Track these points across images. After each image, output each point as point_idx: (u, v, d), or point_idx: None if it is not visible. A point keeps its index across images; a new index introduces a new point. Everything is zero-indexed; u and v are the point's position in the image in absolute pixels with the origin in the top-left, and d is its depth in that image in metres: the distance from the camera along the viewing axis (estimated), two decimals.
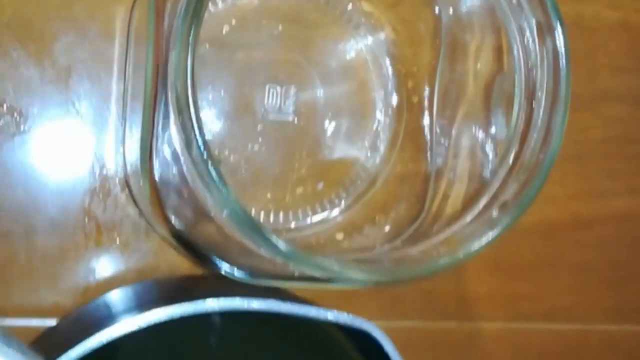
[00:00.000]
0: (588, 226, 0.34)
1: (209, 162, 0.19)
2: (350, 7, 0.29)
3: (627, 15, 0.33)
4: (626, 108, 0.34)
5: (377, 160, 0.31)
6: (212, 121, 0.29)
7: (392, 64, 0.30)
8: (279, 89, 0.29)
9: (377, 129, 0.30)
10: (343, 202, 0.30)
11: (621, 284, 0.34)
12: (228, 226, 0.20)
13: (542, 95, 0.22)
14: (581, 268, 0.34)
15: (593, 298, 0.34)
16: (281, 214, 0.30)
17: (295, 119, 0.29)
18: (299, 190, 0.30)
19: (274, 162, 0.30)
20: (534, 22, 0.22)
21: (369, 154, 0.30)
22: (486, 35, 0.25)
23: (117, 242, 0.28)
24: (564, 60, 0.21)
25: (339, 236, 0.29)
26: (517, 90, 0.23)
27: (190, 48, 0.18)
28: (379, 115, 0.30)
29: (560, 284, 0.33)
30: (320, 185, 0.30)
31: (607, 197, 0.34)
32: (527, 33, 0.22)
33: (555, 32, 0.21)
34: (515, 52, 0.23)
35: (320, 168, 0.30)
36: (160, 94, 0.22)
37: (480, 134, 0.26)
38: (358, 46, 0.30)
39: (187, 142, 0.19)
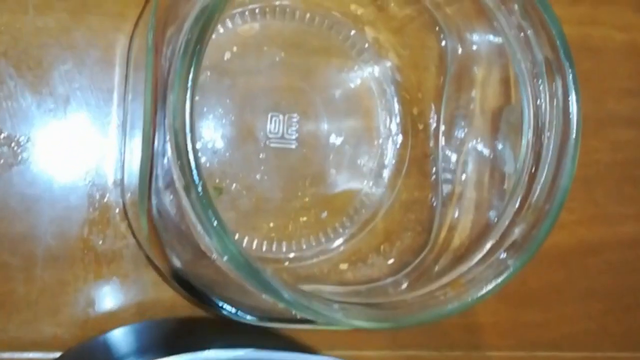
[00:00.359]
0: (596, 252, 0.33)
1: (209, 208, 0.18)
2: (353, 32, 0.29)
3: (636, 37, 0.33)
4: (634, 131, 0.33)
5: (382, 188, 0.30)
6: (213, 149, 0.28)
7: (397, 91, 0.29)
8: (281, 116, 0.28)
9: (382, 156, 0.30)
10: (347, 231, 0.30)
11: (630, 311, 0.34)
12: (228, 269, 0.20)
13: (551, 134, 0.22)
14: (589, 295, 0.33)
15: (601, 325, 0.33)
16: (284, 244, 0.29)
17: (298, 147, 0.29)
18: (303, 219, 0.29)
19: (276, 191, 0.29)
20: (542, 58, 0.21)
21: (373, 182, 0.30)
22: (493, 67, 0.24)
23: (117, 274, 0.28)
24: (574, 102, 0.21)
25: (343, 266, 0.29)
26: (525, 126, 0.22)
27: (189, 91, 0.18)
28: (384, 142, 0.30)
29: (568, 311, 0.33)
30: (324, 214, 0.29)
31: (615, 222, 0.34)
32: (536, 69, 0.21)
33: (566, 73, 0.20)
34: (523, 87, 0.22)
35: (324, 196, 0.30)
36: (158, 131, 0.21)
37: (488, 166, 0.25)
38: (362, 73, 0.29)
39: (187, 186, 0.19)
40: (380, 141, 0.30)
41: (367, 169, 0.30)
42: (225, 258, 0.19)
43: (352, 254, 0.29)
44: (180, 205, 0.21)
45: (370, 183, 0.30)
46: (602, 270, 0.33)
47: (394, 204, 0.30)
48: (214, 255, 0.20)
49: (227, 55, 0.28)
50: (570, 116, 0.21)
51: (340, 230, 0.30)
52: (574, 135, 0.21)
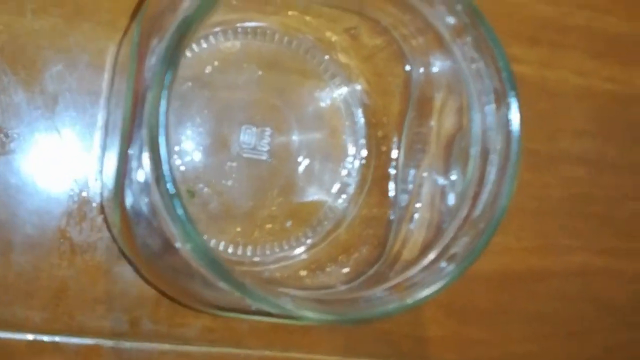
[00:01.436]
0: (543, 279, 0.35)
1: (175, 198, 0.20)
2: (327, 57, 0.31)
3: (591, 82, 0.35)
4: (585, 170, 0.36)
5: (345, 203, 0.32)
6: (189, 155, 0.30)
7: (364, 114, 0.32)
8: (254, 129, 0.31)
9: (346, 173, 0.32)
10: (309, 240, 0.32)
11: (573, 337, 0.36)
12: (191, 259, 0.22)
13: (495, 157, 0.24)
14: (535, 318, 0.35)
15: (544, 348, 0.35)
16: (249, 248, 0.31)
17: (269, 159, 0.31)
18: (268, 226, 0.31)
19: (245, 198, 0.31)
20: (491, 89, 0.23)
21: (337, 197, 0.32)
22: (450, 95, 0.27)
23: (90, 264, 0.30)
24: (515, 129, 0.23)
25: (303, 273, 0.31)
26: (473, 149, 0.25)
27: (164, 91, 0.20)
28: (349, 161, 0.32)
29: (513, 331, 0.35)
30: (289, 223, 0.31)
31: (564, 252, 0.36)
32: (485, 98, 0.24)
33: (509, 103, 0.23)
34: (473, 114, 0.24)
35: (290, 207, 0.32)
36: (137, 128, 0.23)
37: (441, 187, 0.28)
38: (333, 95, 0.32)
39: (157, 178, 0.21)
40: (346, 159, 0.32)
41: (332, 185, 0.32)
42: (188, 246, 0.21)
43: (312, 262, 0.31)
44: (152, 199, 0.23)
45: (335, 198, 0.32)
46: (549, 297, 0.35)
47: (354, 218, 0.32)
48: (179, 244, 0.22)
49: (209, 69, 0.30)
50: (512, 142, 0.23)
51: (303, 240, 0.32)
52: (514, 159, 0.23)
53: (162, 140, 0.20)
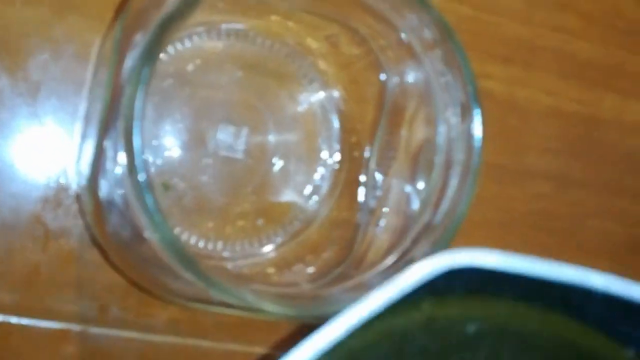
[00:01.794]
0: None
1: (146, 189, 0.21)
2: (306, 63, 0.32)
3: (560, 102, 0.37)
4: (550, 186, 0.37)
5: (316, 205, 0.33)
6: (166, 149, 0.31)
7: (339, 119, 0.33)
8: (232, 128, 0.31)
9: (319, 176, 0.33)
10: (279, 239, 0.33)
11: None
12: (159, 249, 0.23)
13: (457, 168, 0.25)
14: None
15: None
16: (220, 243, 0.32)
17: (245, 158, 0.32)
18: (240, 223, 0.32)
19: (219, 194, 0.32)
20: (458, 102, 0.24)
21: (309, 198, 0.33)
22: (421, 106, 0.28)
23: (62, 250, 0.30)
24: (477, 142, 0.24)
25: (270, 270, 0.32)
26: (437, 159, 0.26)
27: (141, 86, 0.21)
28: (323, 164, 0.33)
29: None
30: (260, 221, 0.32)
31: None
32: (451, 111, 0.25)
33: (473, 116, 0.24)
34: (439, 125, 0.25)
35: (262, 205, 0.32)
36: (113, 120, 0.24)
37: (407, 194, 0.29)
38: (310, 99, 0.33)
39: (129, 168, 0.22)
40: (319, 162, 0.33)
41: (304, 186, 0.33)
42: (156, 236, 0.22)
43: (280, 260, 0.32)
44: (125, 189, 0.23)
45: (306, 199, 0.33)
46: None
47: (324, 220, 0.33)
48: (148, 234, 0.23)
49: (191, 67, 0.31)
50: (473, 155, 0.24)
51: (273, 238, 0.33)
52: (474, 170, 0.24)
53: (136, 132, 0.21)
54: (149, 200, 0.21)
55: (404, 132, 0.29)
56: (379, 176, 0.31)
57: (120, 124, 0.22)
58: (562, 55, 0.37)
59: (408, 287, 0.16)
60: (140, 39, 0.25)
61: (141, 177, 0.22)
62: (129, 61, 0.24)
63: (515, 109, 0.36)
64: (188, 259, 0.22)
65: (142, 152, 0.21)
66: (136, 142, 0.21)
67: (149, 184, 0.22)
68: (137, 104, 0.21)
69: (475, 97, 0.24)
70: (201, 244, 0.32)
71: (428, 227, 0.25)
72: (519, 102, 0.36)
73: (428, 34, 0.24)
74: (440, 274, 0.16)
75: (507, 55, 0.36)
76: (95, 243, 0.30)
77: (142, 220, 0.23)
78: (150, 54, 0.21)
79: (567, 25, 0.37)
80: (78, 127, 0.31)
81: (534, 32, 0.36)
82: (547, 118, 0.37)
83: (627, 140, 0.38)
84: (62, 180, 0.31)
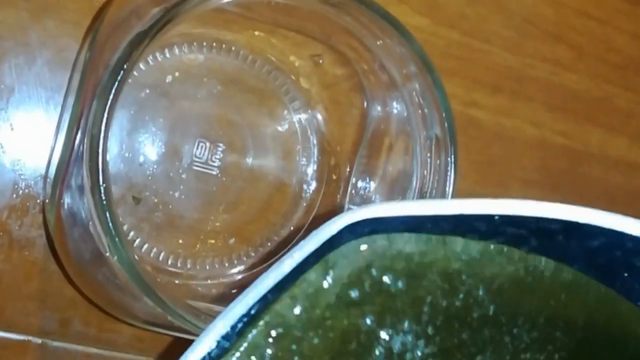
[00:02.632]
0: None
1: (108, 209, 0.21)
2: (289, 80, 0.31)
3: (544, 134, 0.36)
4: None
5: (291, 227, 0.32)
6: (139, 162, 0.30)
7: (319, 140, 0.32)
8: (208, 143, 0.31)
9: (295, 196, 0.32)
10: (249, 260, 0.32)
11: None
12: (117, 268, 0.22)
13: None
14: None
15: None
16: (188, 261, 0.31)
17: (219, 175, 0.31)
18: (211, 241, 0.32)
19: (191, 211, 0.31)
20: (433, 135, 0.24)
21: (283, 219, 0.32)
22: (400, 135, 0.27)
23: (26, 260, 0.30)
24: (451, 180, 0.23)
25: (235, 292, 0.31)
26: (411, 192, 0.25)
27: (109, 102, 0.20)
28: (299, 184, 0.32)
29: None
30: (232, 241, 0.32)
31: None
32: (427, 143, 0.24)
33: (448, 151, 0.23)
34: (416, 157, 0.25)
35: (234, 224, 0.32)
36: (80, 135, 0.23)
37: None
38: (291, 118, 0.32)
39: (92, 187, 0.21)
40: (296, 183, 0.32)
41: (279, 207, 0.32)
42: (115, 257, 0.21)
43: (249, 283, 0.31)
44: (87, 205, 0.23)
45: (280, 220, 0.32)
46: None
47: (298, 242, 0.32)
48: (107, 254, 0.22)
49: (169, 79, 0.31)
50: (446, 190, 0.23)
51: (244, 259, 0.32)
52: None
53: (100, 151, 0.20)
54: (110, 220, 0.20)
55: (382, 159, 0.28)
56: (355, 201, 0.31)
57: (85, 142, 0.21)
58: (551, 86, 0.36)
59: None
60: (112, 53, 0.24)
61: (104, 197, 0.21)
62: (98, 75, 0.23)
63: (501, 138, 0.36)
64: (146, 283, 0.21)
65: (107, 171, 0.20)
66: (101, 160, 0.21)
67: (112, 204, 0.21)
68: (104, 123, 0.20)
69: (452, 133, 0.23)
70: (170, 261, 0.31)
71: None
72: (505, 131, 0.36)
73: (408, 65, 0.24)
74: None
75: (495, 84, 0.35)
76: (55, 257, 0.30)
77: (103, 239, 0.22)
78: (119, 72, 0.20)
79: (557, 57, 0.36)
80: (48, 135, 0.30)
81: (523, 61, 0.36)
82: (531, 149, 0.36)
83: (610, 176, 0.37)
84: (29, 189, 0.30)
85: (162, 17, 0.20)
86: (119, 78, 0.20)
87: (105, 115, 0.20)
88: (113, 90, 0.20)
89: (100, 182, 0.20)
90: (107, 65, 0.23)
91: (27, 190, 0.30)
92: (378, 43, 0.24)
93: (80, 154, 0.23)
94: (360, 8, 0.22)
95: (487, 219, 0.17)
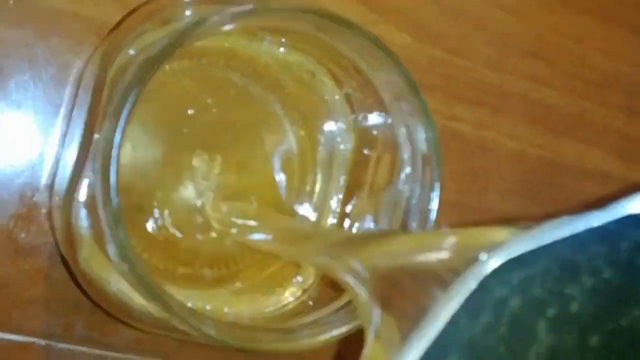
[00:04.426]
0: None
1: (119, 223, 0.22)
2: (285, 102, 0.33)
3: (523, 147, 0.38)
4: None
5: None
6: (140, 173, 0.32)
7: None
8: (206, 156, 0.32)
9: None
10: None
11: None
12: (125, 277, 0.24)
13: (417, 214, 0.26)
14: None
15: None
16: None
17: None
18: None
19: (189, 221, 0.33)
20: (419, 154, 0.26)
21: None
22: (386, 151, 0.29)
23: (32, 267, 0.31)
24: (436, 193, 0.25)
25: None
26: (398, 204, 0.27)
27: (120, 125, 0.22)
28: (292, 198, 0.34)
29: None
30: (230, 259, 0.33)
31: None
32: (414, 160, 0.26)
33: (433, 169, 0.25)
34: (402, 172, 0.27)
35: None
36: (92, 150, 0.25)
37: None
38: (288, 139, 0.33)
39: (104, 201, 0.22)
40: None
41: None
42: (125, 267, 0.23)
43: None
44: (97, 215, 0.24)
45: None
46: None
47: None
48: (116, 262, 0.24)
49: (166, 93, 0.32)
50: (430, 206, 0.25)
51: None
52: (432, 222, 0.25)
53: (113, 170, 0.22)
54: (121, 236, 0.22)
55: (369, 173, 0.30)
56: (343, 216, 0.32)
57: (97, 158, 0.23)
58: (529, 101, 0.38)
59: None
60: (119, 72, 0.26)
61: (115, 210, 0.23)
62: (107, 96, 0.25)
63: (481, 150, 0.37)
64: (155, 292, 0.23)
65: (117, 189, 0.22)
66: (112, 177, 0.22)
67: (123, 217, 0.22)
68: (115, 143, 0.22)
69: (437, 152, 0.25)
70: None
71: None
72: (485, 144, 0.37)
73: (396, 87, 0.25)
74: None
75: (476, 99, 0.37)
76: (64, 261, 0.31)
77: (111, 250, 0.23)
78: (131, 94, 0.22)
79: (535, 73, 0.38)
80: (53, 147, 0.31)
81: (503, 77, 0.38)
82: (510, 161, 0.38)
83: (587, 187, 0.39)
84: (36, 198, 0.31)
85: (170, 45, 0.22)
86: (130, 100, 0.22)
87: (118, 135, 0.22)
88: (124, 113, 0.22)
89: (112, 198, 0.22)
90: (115, 85, 0.25)
91: (33, 200, 0.31)
92: (367, 65, 0.26)
93: (92, 170, 0.24)
94: (352, 34, 0.24)
95: None
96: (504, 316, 0.17)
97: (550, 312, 0.17)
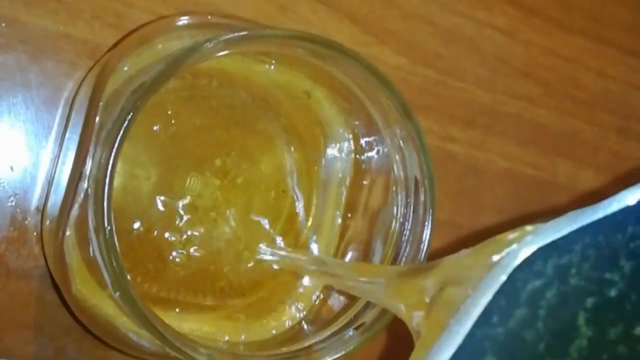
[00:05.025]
0: None
1: (112, 251, 0.22)
2: (282, 120, 0.33)
3: (515, 166, 0.38)
4: None
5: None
6: (134, 193, 0.32)
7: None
8: (200, 177, 0.32)
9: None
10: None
11: None
12: (118, 303, 0.23)
13: (410, 237, 0.26)
14: None
15: None
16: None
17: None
18: None
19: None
20: (412, 177, 0.26)
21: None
22: (380, 174, 0.29)
23: (23, 290, 0.31)
24: (429, 216, 0.25)
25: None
26: (392, 226, 0.27)
27: (114, 151, 0.22)
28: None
29: None
30: (223, 285, 0.33)
31: None
32: (407, 184, 0.26)
33: (426, 192, 0.25)
34: (396, 195, 0.27)
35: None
36: (84, 176, 0.25)
37: (362, 257, 0.30)
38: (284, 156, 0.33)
39: (97, 228, 0.22)
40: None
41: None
42: (117, 294, 0.23)
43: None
44: (90, 241, 0.24)
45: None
46: None
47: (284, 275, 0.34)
48: (110, 289, 0.23)
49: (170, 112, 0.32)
50: (425, 228, 0.25)
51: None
52: (425, 246, 0.25)
53: (106, 196, 0.22)
54: (114, 262, 0.22)
55: (363, 195, 0.30)
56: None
57: (90, 184, 0.23)
58: (521, 121, 0.38)
59: None
60: (111, 97, 0.26)
61: (108, 237, 0.22)
62: (99, 121, 0.25)
63: (474, 170, 0.38)
64: (148, 320, 0.22)
65: (111, 214, 0.22)
66: (105, 204, 0.22)
67: (115, 244, 0.22)
68: (109, 169, 0.21)
69: (430, 177, 0.25)
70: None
71: None
72: (478, 164, 0.38)
73: (390, 111, 0.25)
74: None
75: (469, 119, 0.37)
76: (55, 285, 0.31)
77: (105, 277, 0.23)
78: (124, 121, 0.22)
79: (527, 93, 0.38)
80: (44, 170, 0.31)
81: (495, 98, 0.38)
82: (503, 180, 0.38)
83: (579, 205, 0.39)
84: (27, 221, 0.31)
85: (165, 71, 0.22)
86: (123, 127, 0.22)
87: (111, 161, 0.21)
88: (118, 139, 0.22)
89: (105, 224, 0.22)
90: (108, 109, 0.25)
91: (24, 223, 0.31)
92: (361, 90, 0.26)
93: (84, 194, 0.24)
94: (345, 59, 0.24)
95: None
96: (540, 309, 0.16)
97: (590, 301, 0.16)
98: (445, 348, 0.16)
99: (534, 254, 0.16)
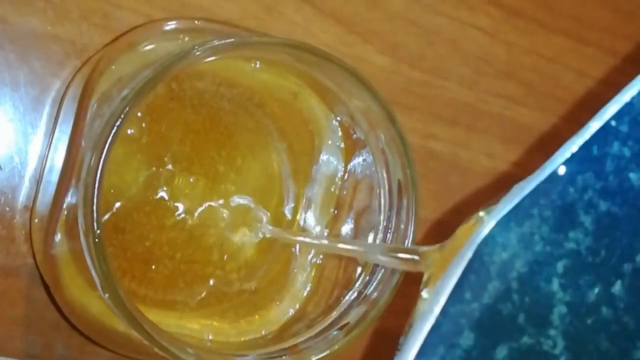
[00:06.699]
0: None
1: (101, 254, 0.23)
2: (274, 124, 0.33)
3: (498, 164, 0.39)
4: None
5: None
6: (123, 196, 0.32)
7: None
8: (187, 177, 0.32)
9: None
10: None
11: None
12: (108, 304, 0.24)
13: (396, 237, 0.27)
14: None
15: None
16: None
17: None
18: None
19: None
20: (396, 180, 0.26)
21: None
22: (365, 176, 0.29)
23: (12, 288, 0.31)
24: (412, 216, 0.26)
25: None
26: (376, 226, 0.27)
27: (103, 155, 0.22)
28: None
29: None
30: (211, 282, 0.33)
31: None
32: (391, 186, 0.27)
33: (410, 194, 0.26)
34: (381, 198, 0.27)
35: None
36: (74, 178, 0.25)
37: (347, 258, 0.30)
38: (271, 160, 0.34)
39: (86, 231, 0.23)
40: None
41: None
42: (106, 295, 0.23)
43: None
44: (79, 242, 0.24)
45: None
46: None
47: (268, 272, 0.34)
48: (99, 289, 0.24)
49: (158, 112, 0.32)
50: (409, 228, 0.26)
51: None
52: (410, 241, 0.26)
53: (95, 200, 0.22)
54: (103, 265, 0.22)
55: (348, 196, 0.30)
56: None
57: (80, 190, 0.23)
58: (503, 120, 0.39)
59: None
60: (102, 99, 0.26)
61: (97, 240, 0.23)
62: (89, 123, 0.25)
63: (457, 168, 0.38)
64: (137, 320, 0.23)
65: (100, 217, 0.22)
66: (95, 207, 0.23)
67: (104, 247, 0.23)
68: (99, 172, 0.22)
69: (413, 179, 0.26)
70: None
71: (362, 295, 0.27)
72: (461, 162, 0.38)
73: (374, 116, 0.26)
74: None
75: (452, 118, 0.38)
76: (44, 282, 0.31)
77: (94, 278, 0.24)
78: (113, 126, 0.22)
79: (509, 93, 0.39)
80: (32, 168, 0.32)
81: (478, 97, 0.38)
82: (486, 178, 0.39)
83: None
84: (15, 220, 0.31)
85: (153, 78, 0.22)
86: (113, 131, 0.22)
87: (100, 166, 0.22)
88: (107, 145, 0.22)
89: (95, 228, 0.22)
90: (97, 112, 0.25)
91: (13, 222, 0.31)
92: (345, 94, 0.27)
93: (74, 197, 0.25)
94: (331, 66, 0.25)
95: None
96: (512, 281, 0.16)
97: (560, 265, 0.16)
98: (419, 329, 0.16)
99: (495, 227, 0.16)
